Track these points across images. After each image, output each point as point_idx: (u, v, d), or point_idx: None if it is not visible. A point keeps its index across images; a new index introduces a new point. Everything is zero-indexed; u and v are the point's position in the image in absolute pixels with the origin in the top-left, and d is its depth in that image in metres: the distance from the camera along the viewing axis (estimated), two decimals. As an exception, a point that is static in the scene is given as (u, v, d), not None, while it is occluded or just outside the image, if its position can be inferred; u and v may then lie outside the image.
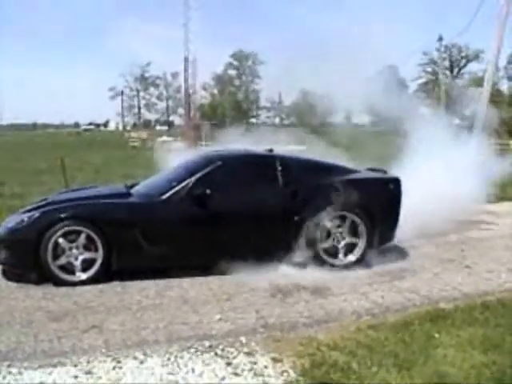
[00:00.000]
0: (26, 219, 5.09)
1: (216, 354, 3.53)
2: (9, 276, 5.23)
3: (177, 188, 5.38)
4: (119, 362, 3.40)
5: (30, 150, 30.60)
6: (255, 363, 3.39)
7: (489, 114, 12.72)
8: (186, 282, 5.10)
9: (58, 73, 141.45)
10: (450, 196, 7.26)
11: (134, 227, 5.13)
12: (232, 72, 76.38)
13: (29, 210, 5.43)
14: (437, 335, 3.73)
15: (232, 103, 69.55)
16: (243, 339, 3.76)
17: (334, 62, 9.41)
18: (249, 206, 5.46)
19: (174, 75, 79.21)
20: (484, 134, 12.23)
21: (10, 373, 3.27)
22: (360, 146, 10.15)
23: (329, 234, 5.53)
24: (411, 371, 3.21)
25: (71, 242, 5.00)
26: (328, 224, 5.47)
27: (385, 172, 6.48)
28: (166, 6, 72.64)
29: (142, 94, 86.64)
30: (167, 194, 5.36)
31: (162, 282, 5.06)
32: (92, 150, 30.03)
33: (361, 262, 5.55)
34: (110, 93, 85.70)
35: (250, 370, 3.30)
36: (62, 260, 5.00)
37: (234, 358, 3.47)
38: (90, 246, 5.03)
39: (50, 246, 4.93)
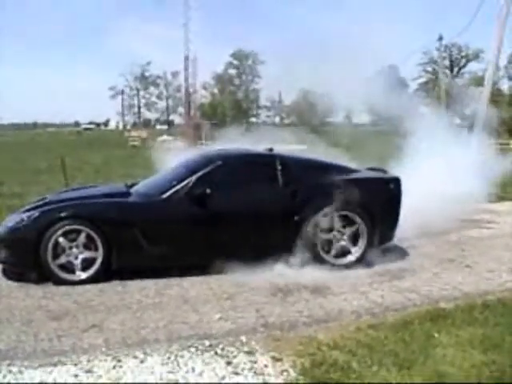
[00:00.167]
0: (25, 218, 5.09)
1: (216, 353, 3.53)
2: (9, 275, 5.23)
3: (177, 187, 5.38)
4: (119, 360, 3.41)
5: (31, 150, 30.64)
6: (255, 362, 3.38)
7: (489, 113, 12.72)
8: (186, 281, 5.10)
9: (57, 73, 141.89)
10: (450, 195, 7.25)
11: (134, 226, 5.13)
12: (232, 71, 76.32)
13: (28, 210, 5.44)
14: (437, 335, 3.73)
15: (232, 102, 69.48)
16: (243, 338, 3.76)
17: (333, 61, 9.40)
18: (249, 206, 5.46)
19: (174, 74, 79.27)
20: (484, 133, 12.23)
21: (10, 372, 3.27)
22: (360, 146, 10.13)
23: (327, 233, 5.53)
24: (411, 370, 3.20)
25: (71, 241, 5.01)
26: (328, 224, 5.47)
27: (385, 172, 6.49)
28: (166, 6, 72.56)
29: (142, 93, 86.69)
30: (167, 194, 5.36)
31: (161, 281, 5.06)
32: (92, 150, 30.05)
33: (361, 261, 5.55)
34: (110, 92, 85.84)
35: (250, 369, 3.30)
36: (62, 259, 5.00)
37: (234, 357, 3.47)
38: (89, 245, 5.04)
39: (50, 245, 4.93)
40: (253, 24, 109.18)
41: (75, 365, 3.34)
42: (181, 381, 3.17)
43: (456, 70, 66.11)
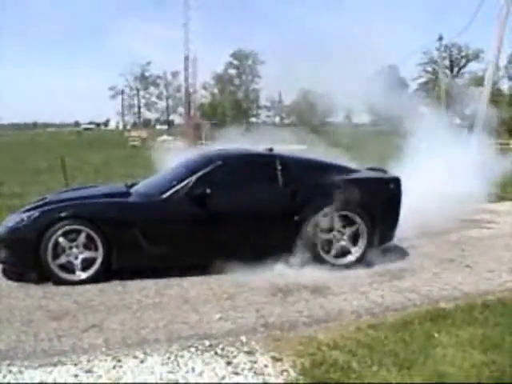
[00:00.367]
0: (25, 218, 5.09)
1: (216, 353, 3.53)
2: (9, 275, 5.23)
3: (177, 187, 5.38)
4: (119, 360, 3.41)
5: (31, 150, 30.63)
6: (255, 362, 3.38)
7: (489, 113, 12.72)
8: (186, 281, 5.10)
9: (57, 73, 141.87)
10: (450, 195, 7.25)
11: (134, 226, 5.13)
12: (232, 71, 76.30)
13: (28, 210, 5.44)
14: (436, 335, 3.73)
15: (232, 102, 69.47)
16: (243, 338, 3.76)
17: (333, 61, 9.40)
18: (249, 206, 5.46)
19: (174, 74, 79.26)
20: (484, 133, 12.23)
21: (10, 372, 3.27)
22: (360, 146, 10.13)
23: (327, 233, 5.53)
24: (411, 370, 3.20)
25: (71, 241, 5.01)
26: (328, 224, 5.47)
27: (385, 172, 6.49)
28: (166, 6, 72.56)
29: (142, 93, 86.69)
30: (167, 194, 5.37)
31: (161, 281, 5.06)
32: (92, 150, 30.05)
33: (361, 261, 5.55)
34: (110, 92, 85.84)
35: (250, 369, 3.30)
36: (62, 259, 5.00)
37: (234, 357, 3.47)
38: (89, 245, 5.03)
39: (50, 245, 4.93)
40: (253, 24, 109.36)
41: (75, 365, 3.34)
42: (181, 381, 3.17)
43: (456, 69, 66.13)
